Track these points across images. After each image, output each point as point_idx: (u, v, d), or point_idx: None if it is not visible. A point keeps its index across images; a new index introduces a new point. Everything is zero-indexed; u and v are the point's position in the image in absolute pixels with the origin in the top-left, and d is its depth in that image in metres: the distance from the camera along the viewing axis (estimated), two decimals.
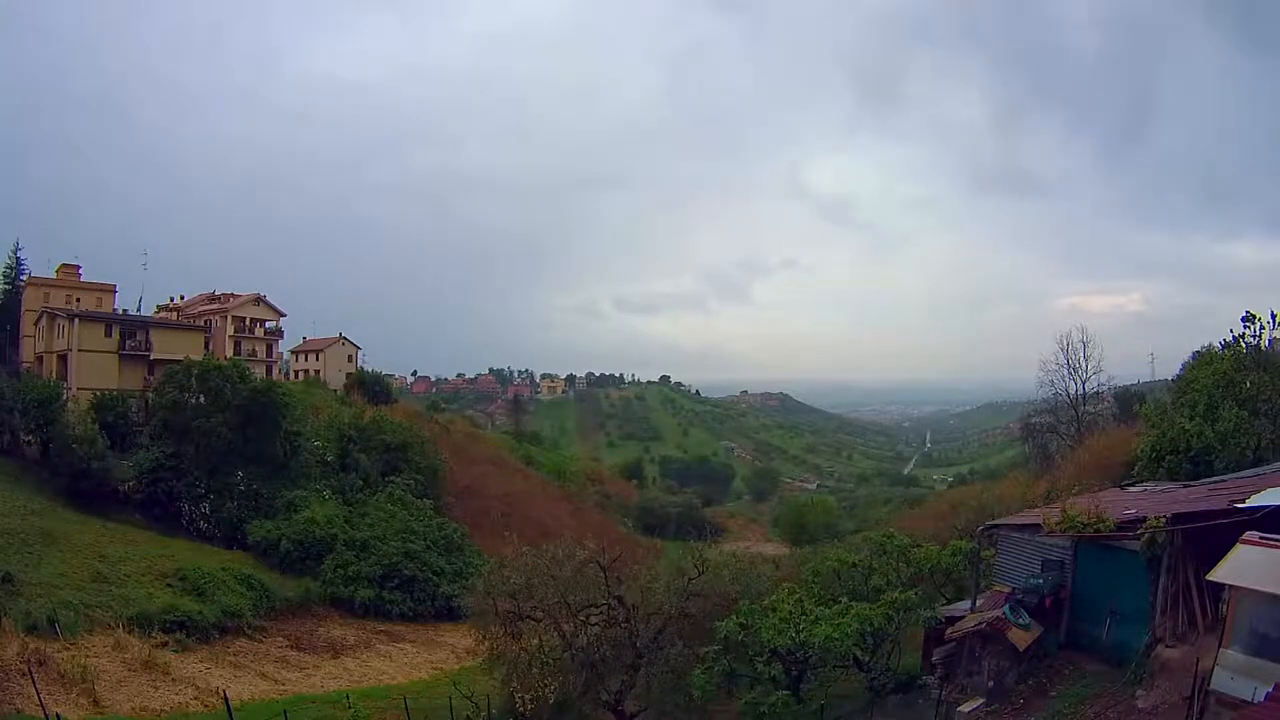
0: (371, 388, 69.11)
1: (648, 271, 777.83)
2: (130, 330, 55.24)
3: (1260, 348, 21.71)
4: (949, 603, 18.10)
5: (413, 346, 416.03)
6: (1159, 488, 17.64)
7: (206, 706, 21.14)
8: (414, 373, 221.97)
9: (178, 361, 45.51)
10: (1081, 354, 43.37)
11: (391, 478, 45.66)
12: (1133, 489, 18.24)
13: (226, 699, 18.37)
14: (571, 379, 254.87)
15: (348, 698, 22.56)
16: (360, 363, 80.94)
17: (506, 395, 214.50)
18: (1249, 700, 8.95)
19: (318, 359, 78.90)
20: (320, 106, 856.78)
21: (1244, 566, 9.77)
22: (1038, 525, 14.77)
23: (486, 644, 20.15)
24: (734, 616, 17.34)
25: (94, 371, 50.58)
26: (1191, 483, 17.29)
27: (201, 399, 40.67)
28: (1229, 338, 23.02)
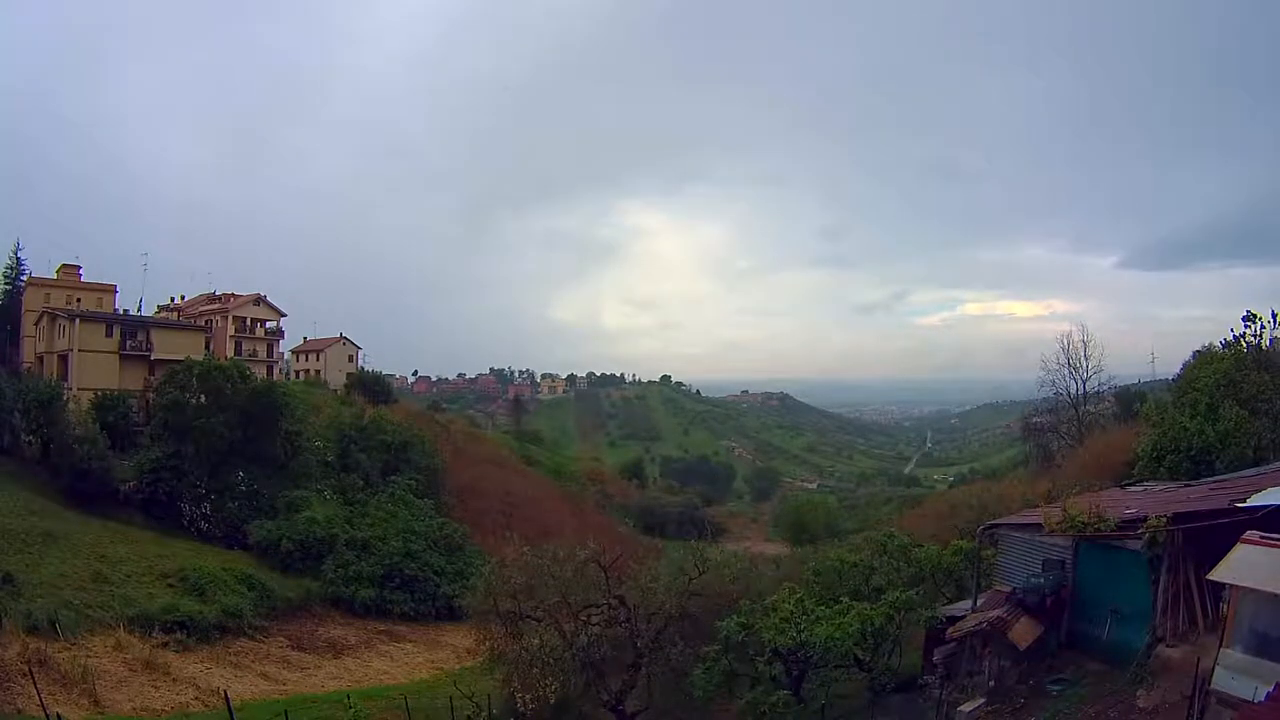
0: (372, 388, 69.15)
1: (646, 272, 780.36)
2: (131, 330, 55.33)
3: (1261, 347, 21.74)
4: (950, 602, 18.11)
5: (413, 346, 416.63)
6: (1159, 487, 17.64)
7: (207, 706, 21.16)
8: (414, 373, 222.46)
9: (178, 361, 45.50)
10: (1082, 354, 43.51)
11: (392, 477, 45.71)
12: (1133, 488, 18.24)
13: (227, 699, 18.35)
14: (572, 379, 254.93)
15: (348, 698, 22.52)
16: (361, 363, 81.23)
17: (507, 395, 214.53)
18: (1249, 700, 8.94)
19: (318, 359, 79.04)
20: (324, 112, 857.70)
21: (1244, 566, 9.76)
22: (1038, 525, 14.76)
23: (487, 644, 20.19)
24: (735, 616, 17.38)
25: (95, 371, 50.65)
26: (1192, 482, 17.31)
27: (202, 399, 40.66)
28: (1230, 337, 23.08)
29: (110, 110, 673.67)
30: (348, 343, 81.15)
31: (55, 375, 50.09)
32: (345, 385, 70.32)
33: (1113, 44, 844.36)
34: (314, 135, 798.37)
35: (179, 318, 69.10)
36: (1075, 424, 43.39)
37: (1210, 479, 17.08)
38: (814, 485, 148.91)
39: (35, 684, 18.21)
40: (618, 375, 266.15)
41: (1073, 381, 43.56)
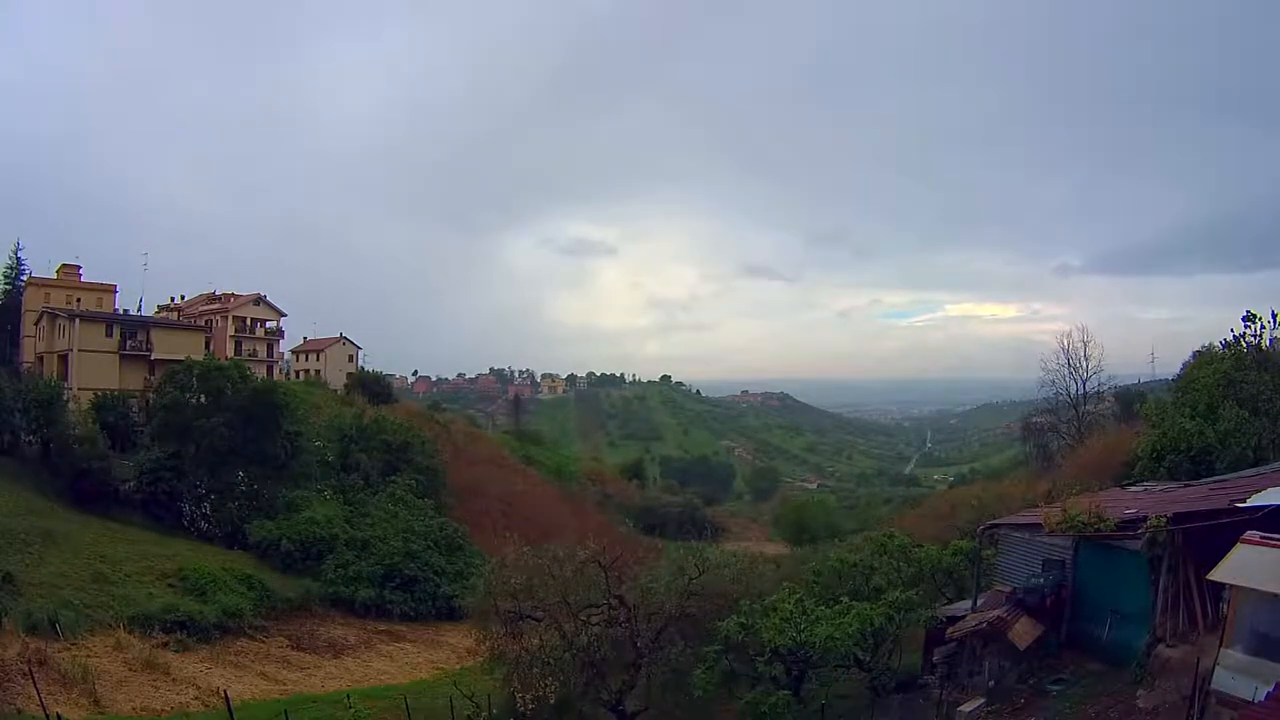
0: (372, 387, 69.09)
1: (644, 273, 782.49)
2: (131, 330, 55.39)
3: (1261, 347, 21.74)
4: (950, 602, 18.11)
5: (413, 346, 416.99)
6: (1159, 487, 17.63)
7: (207, 706, 21.15)
8: (415, 372, 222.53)
9: (179, 361, 45.49)
10: (1082, 353, 43.47)
11: (392, 477, 45.67)
12: (1133, 488, 18.24)
13: (227, 699, 18.39)
14: (572, 379, 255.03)
15: (348, 698, 22.51)
16: (361, 362, 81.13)
17: (507, 395, 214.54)
18: (1249, 700, 8.94)
19: (318, 359, 78.99)
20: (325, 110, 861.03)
21: (1244, 566, 9.77)
22: (1038, 525, 14.77)
23: (487, 644, 20.16)
24: (735, 616, 17.35)
25: (95, 371, 50.67)
26: (1192, 482, 17.31)
27: (202, 399, 40.65)
28: (1230, 337, 23.08)
29: (113, 125, 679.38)
30: (348, 343, 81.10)
31: (55, 375, 50.01)
32: (345, 385, 70.29)
33: (1087, 52, 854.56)
34: (316, 139, 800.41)
35: (179, 318, 69.08)
36: (1075, 424, 43.36)
37: (1210, 479, 17.08)
38: (814, 485, 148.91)
39: (35, 684, 18.21)
40: (618, 375, 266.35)
41: (1073, 381, 43.53)
